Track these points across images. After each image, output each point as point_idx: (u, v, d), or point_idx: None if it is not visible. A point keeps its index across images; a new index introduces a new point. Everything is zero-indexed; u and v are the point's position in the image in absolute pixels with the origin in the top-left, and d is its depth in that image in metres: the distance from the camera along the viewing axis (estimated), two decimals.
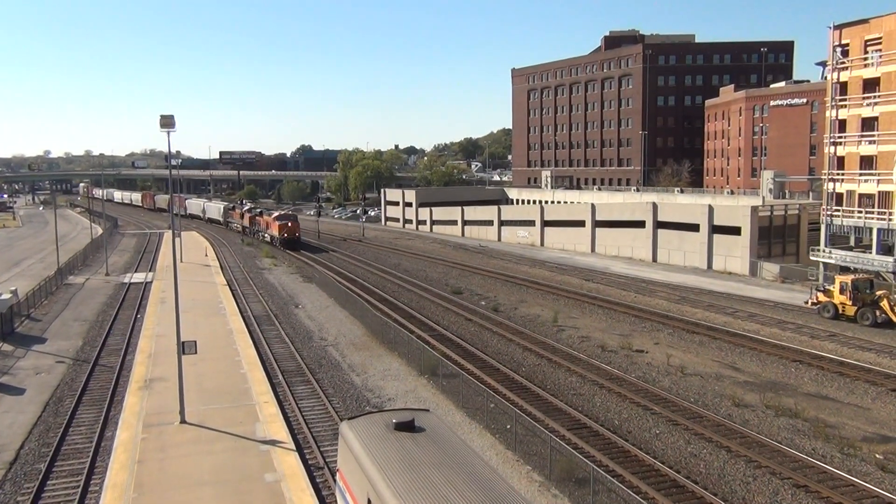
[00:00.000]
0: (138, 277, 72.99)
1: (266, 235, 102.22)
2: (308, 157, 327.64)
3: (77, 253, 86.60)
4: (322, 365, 39.59)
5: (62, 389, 36.02)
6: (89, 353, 42.76)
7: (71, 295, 63.93)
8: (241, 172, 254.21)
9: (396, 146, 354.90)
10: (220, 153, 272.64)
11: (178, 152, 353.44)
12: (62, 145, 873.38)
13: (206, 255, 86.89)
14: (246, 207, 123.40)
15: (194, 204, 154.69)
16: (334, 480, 22.64)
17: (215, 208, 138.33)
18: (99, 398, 34.29)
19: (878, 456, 27.10)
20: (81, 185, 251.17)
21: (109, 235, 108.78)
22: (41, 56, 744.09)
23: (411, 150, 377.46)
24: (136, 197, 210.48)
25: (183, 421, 29.62)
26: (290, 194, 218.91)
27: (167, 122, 30.21)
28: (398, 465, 16.01)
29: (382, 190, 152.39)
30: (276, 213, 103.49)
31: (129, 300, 60.31)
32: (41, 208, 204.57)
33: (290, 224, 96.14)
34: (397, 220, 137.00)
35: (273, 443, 27.41)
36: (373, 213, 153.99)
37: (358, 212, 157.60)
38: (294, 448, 26.95)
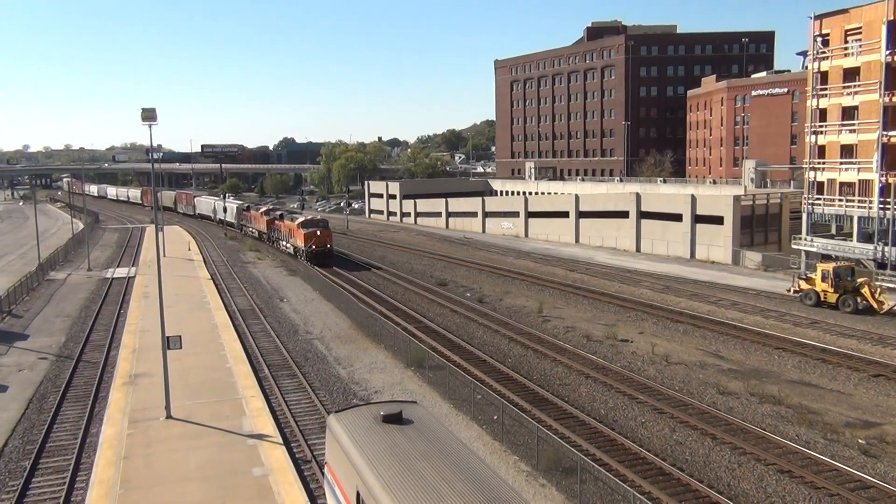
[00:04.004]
0: (121, 272, 72.41)
1: (288, 245, 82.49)
2: (291, 150, 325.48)
3: (58, 248, 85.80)
4: (308, 358, 39.50)
5: (45, 386, 35.70)
6: (72, 349, 42.41)
7: (53, 291, 63.33)
8: (224, 166, 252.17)
9: (380, 138, 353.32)
10: (202, 146, 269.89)
11: (160, 146, 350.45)
12: (41, 139, 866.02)
13: (190, 250, 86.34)
14: (263, 209, 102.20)
15: (204, 203, 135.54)
16: (322, 474, 22.65)
17: (229, 208, 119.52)
18: (83, 394, 34.02)
19: (860, 441, 27.44)
20: (65, 179, 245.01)
21: (91, 230, 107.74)
22: (18, 48, 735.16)
23: (395, 143, 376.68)
24: (134, 193, 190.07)
25: (169, 416, 29.46)
26: (273, 187, 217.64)
27: (148, 116, 29.93)
28: (387, 458, 16.02)
29: (366, 182, 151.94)
30: (301, 219, 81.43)
31: (112, 295, 59.82)
32: (21, 203, 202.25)
33: (318, 232, 75.03)
34: (381, 212, 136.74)
35: (260, 437, 27.33)
36: (357, 206, 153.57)
37: (342, 204, 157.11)
38: (281, 442, 26.89)
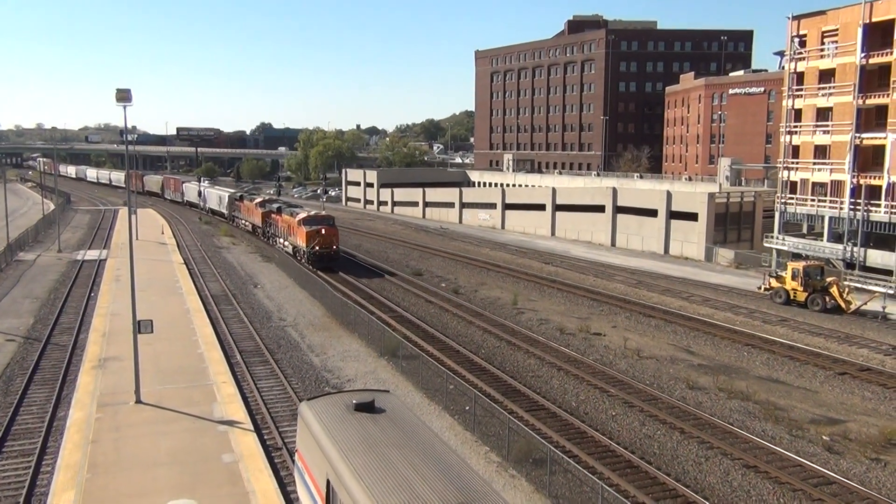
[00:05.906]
0: (92, 255, 71.46)
1: (286, 243, 70.97)
2: (268, 136, 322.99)
3: (28, 229, 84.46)
4: (281, 345, 39.33)
5: (12, 368, 35.18)
6: (41, 332, 41.81)
7: (21, 272, 62.36)
8: (200, 149, 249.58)
9: (358, 126, 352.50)
10: (178, 129, 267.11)
11: (135, 127, 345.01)
12: (12, 118, 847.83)
13: (163, 233, 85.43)
14: (259, 200, 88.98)
15: (193, 189, 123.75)
16: (293, 461, 22.59)
17: (217, 196, 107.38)
18: (51, 377, 33.59)
19: (824, 437, 27.93)
20: (39, 159, 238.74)
21: (62, 211, 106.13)
22: None
23: (373, 131, 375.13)
24: (117, 176, 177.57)
25: (138, 401, 29.20)
26: (249, 173, 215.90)
27: (123, 97, 29.45)
28: (358, 446, 16.03)
29: (343, 170, 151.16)
30: (302, 214, 68.49)
31: (82, 278, 59.05)
32: None
33: (324, 231, 63.96)
34: (358, 200, 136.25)
35: (231, 423, 27.19)
36: (333, 193, 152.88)
37: (318, 191, 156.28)
38: (252, 428, 26.77)
